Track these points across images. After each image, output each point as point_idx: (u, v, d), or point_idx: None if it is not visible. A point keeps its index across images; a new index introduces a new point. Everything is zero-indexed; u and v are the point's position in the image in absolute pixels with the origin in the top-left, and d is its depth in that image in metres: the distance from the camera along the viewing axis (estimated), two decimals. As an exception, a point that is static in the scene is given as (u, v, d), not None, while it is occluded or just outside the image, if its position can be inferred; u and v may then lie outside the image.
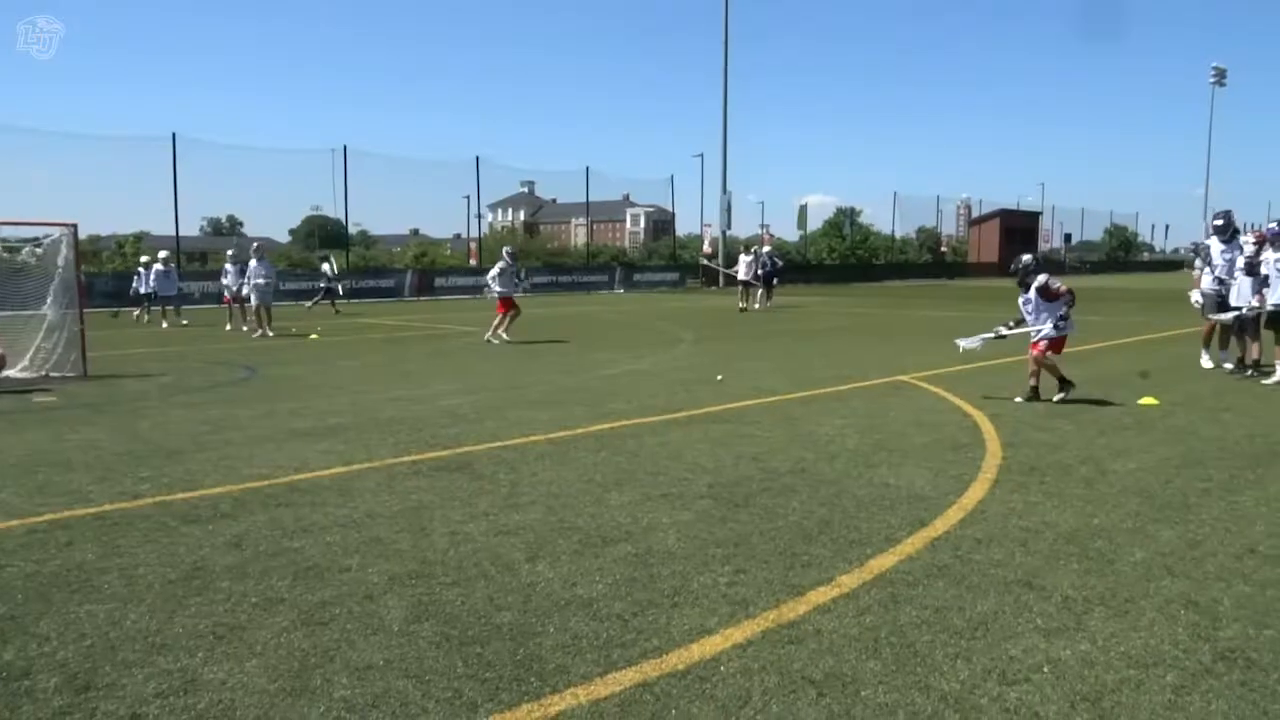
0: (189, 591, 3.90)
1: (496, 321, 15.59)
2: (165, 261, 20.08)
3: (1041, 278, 8.62)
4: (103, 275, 29.87)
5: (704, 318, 21.99)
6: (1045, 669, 3.13)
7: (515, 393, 9.56)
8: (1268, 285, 9.72)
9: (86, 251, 35.45)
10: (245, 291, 18.02)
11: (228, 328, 18.62)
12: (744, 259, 24.73)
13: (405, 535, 4.67)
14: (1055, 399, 8.50)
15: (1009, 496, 5.32)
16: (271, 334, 17.09)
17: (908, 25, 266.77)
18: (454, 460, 6.37)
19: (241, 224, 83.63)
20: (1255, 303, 9.85)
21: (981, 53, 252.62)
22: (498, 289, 15.65)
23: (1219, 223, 10.80)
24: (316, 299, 26.01)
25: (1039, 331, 8.50)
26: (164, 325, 19.44)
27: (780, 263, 25.04)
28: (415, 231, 66.34)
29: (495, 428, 7.56)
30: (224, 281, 19.27)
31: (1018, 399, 8.59)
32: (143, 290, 21.23)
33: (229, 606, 3.73)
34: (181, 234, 31.52)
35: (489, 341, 15.23)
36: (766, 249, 27.63)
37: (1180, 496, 5.32)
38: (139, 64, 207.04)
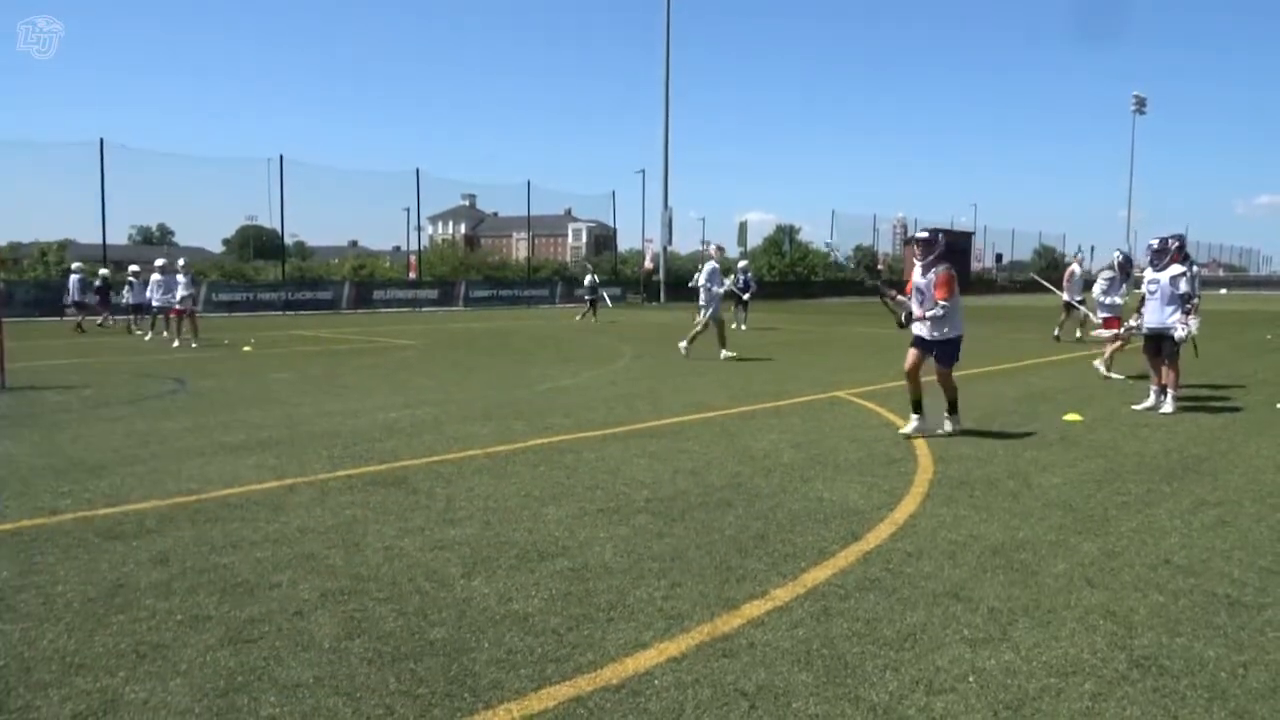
0: (111, 609, 3.79)
1: (1110, 348, 12.20)
2: (185, 269, 19.18)
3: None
4: (24, 282, 28.89)
5: (644, 333, 22.07)
6: (970, 679, 3.22)
7: (453, 407, 9.48)
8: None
9: (7, 259, 34.27)
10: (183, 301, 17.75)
11: (192, 344, 17.64)
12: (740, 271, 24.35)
13: (338, 551, 4.60)
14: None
15: (939, 510, 5.44)
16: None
17: (847, 46, 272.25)
18: (389, 475, 6.30)
19: (173, 233, 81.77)
20: (1133, 323, 9.84)
21: (917, 75, 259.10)
22: (1112, 301, 12.38)
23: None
24: (585, 311, 26.99)
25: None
26: (176, 335, 18.44)
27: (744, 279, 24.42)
28: (354, 243, 65.47)
29: (432, 442, 7.49)
30: (181, 294, 18.50)
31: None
32: (148, 299, 20.19)
33: (153, 624, 3.63)
34: (110, 242, 30.65)
35: (1109, 378, 11.84)
36: (742, 264, 27.21)
37: (1100, 510, 5.50)
38: (72, 70, 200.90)
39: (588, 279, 28.26)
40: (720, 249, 16.08)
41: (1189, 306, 9.17)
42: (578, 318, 27.15)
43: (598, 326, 24.40)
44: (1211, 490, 6.01)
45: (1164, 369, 9.40)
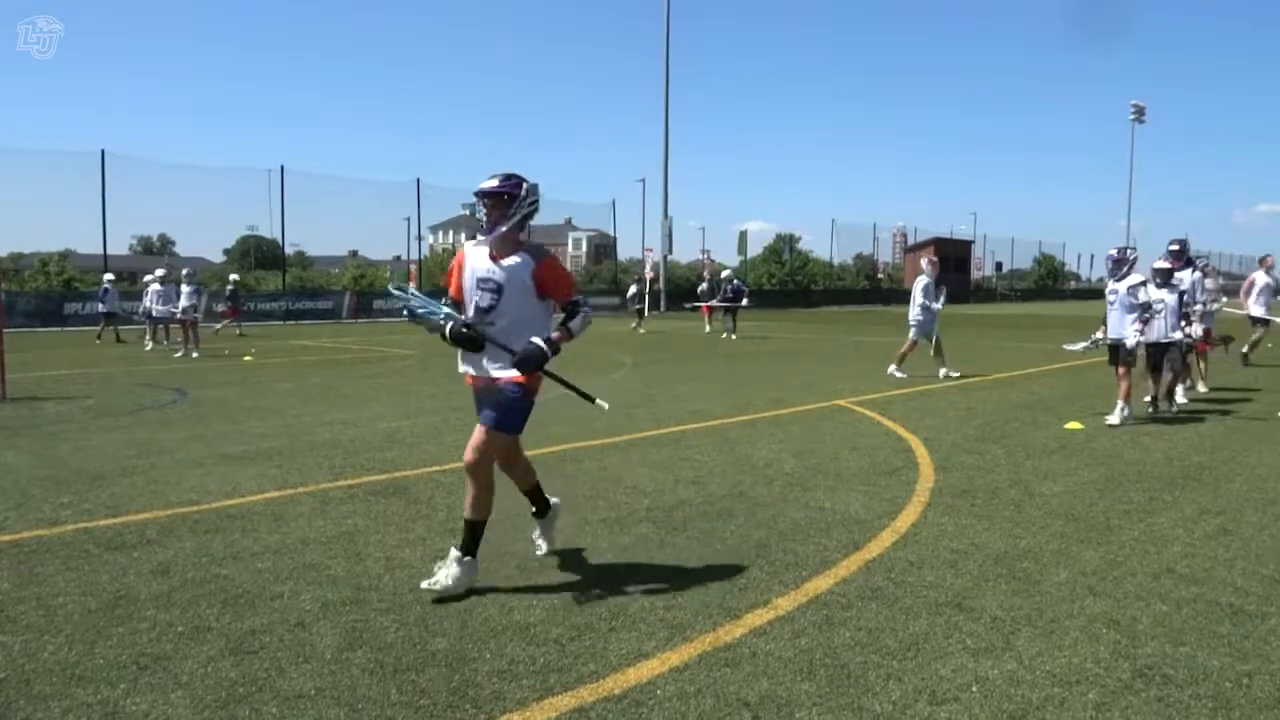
0: (111, 621, 3.78)
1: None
2: (188, 278, 19.03)
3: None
4: (25, 293, 28.89)
5: (644, 342, 22.08)
6: (974, 688, 3.20)
7: (453, 416, 9.47)
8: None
9: (8, 269, 34.29)
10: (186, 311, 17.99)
11: (193, 354, 17.59)
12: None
13: (339, 561, 4.59)
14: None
15: (940, 519, 5.43)
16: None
17: (845, 56, 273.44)
18: (390, 484, 6.29)
19: (174, 243, 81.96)
20: (1099, 335, 9.83)
21: (916, 83, 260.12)
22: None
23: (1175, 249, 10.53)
24: (636, 322, 27.29)
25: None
26: (183, 345, 18.18)
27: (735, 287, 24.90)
28: (354, 253, 65.55)
29: (433, 451, 7.48)
30: (183, 304, 18.50)
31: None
32: (149, 308, 20.12)
33: (154, 636, 3.63)
34: (111, 253, 30.69)
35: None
36: (726, 273, 27.71)
37: (1103, 518, 5.49)
38: (70, 82, 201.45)
39: (633, 289, 28.87)
40: (933, 262, 13.93)
41: (1148, 315, 9.13)
42: (632, 326, 27.23)
43: (609, 336, 24.42)
44: (1214, 499, 6.00)
45: (1160, 379, 9.56)
